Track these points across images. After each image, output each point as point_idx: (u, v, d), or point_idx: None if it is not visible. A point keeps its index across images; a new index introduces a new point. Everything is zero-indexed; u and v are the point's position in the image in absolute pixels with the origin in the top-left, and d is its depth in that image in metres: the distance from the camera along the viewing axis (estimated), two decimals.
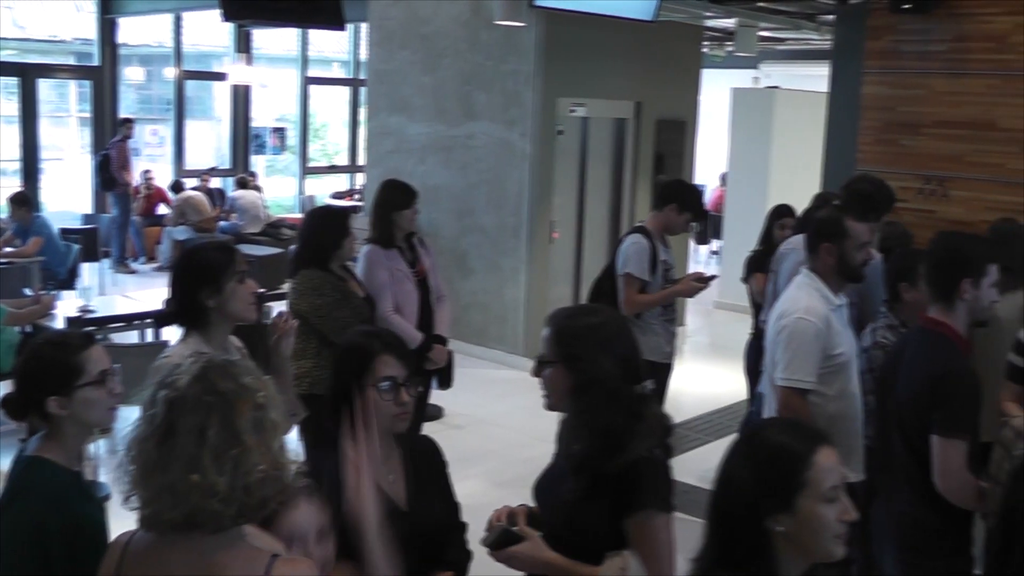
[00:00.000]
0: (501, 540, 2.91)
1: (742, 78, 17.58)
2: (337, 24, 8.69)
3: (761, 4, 10.62)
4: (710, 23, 11.73)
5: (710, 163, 17.09)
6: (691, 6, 9.83)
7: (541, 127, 10.10)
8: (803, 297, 4.63)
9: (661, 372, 6.63)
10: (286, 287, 6.05)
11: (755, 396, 6.20)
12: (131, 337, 8.58)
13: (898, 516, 4.20)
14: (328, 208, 6.22)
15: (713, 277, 6.67)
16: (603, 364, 2.92)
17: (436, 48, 10.70)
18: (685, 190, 6.71)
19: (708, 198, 18.08)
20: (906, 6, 7.94)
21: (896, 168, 8.30)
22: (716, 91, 15.35)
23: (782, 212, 7.55)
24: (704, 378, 10.19)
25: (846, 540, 2.45)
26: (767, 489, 2.41)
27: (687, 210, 6.53)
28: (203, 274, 3.77)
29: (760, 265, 7.07)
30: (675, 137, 11.63)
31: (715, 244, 16.66)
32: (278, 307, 5.97)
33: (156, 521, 2.14)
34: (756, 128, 13.27)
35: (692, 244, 15.59)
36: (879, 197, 5.89)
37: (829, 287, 4.66)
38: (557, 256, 10.71)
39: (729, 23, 11.51)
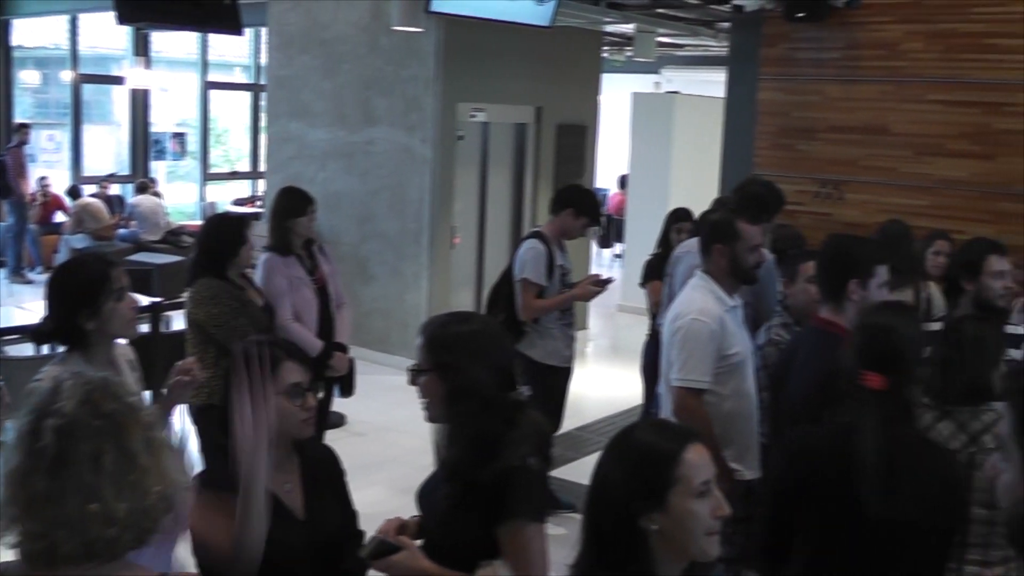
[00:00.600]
0: (378, 551, 2.90)
1: (644, 83, 17.74)
2: (234, 28, 8.56)
3: (659, 11, 10.73)
4: (609, 28, 11.81)
5: (612, 167, 17.22)
6: (589, 12, 9.89)
7: (441, 132, 10.09)
8: (697, 299, 4.69)
9: (561, 376, 6.67)
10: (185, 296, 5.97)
11: (652, 397, 6.25)
12: (27, 350, 8.39)
13: None
14: (224, 215, 6.15)
15: (609, 280, 6.70)
16: (476, 372, 2.92)
17: (336, 53, 10.64)
18: (581, 195, 6.74)
19: (609, 202, 18.24)
20: (800, 15, 8.07)
21: (792, 172, 8.44)
22: (618, 96, 15.47)
23: (679, 216, 7.61)
24: (607, 381, 10.25)
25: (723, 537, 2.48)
26: (638, 488, 2.43)
27: (583, 215, 6.57)
28: (79, 296, 3.64)
29: (658, 269, 7.13)
30: (575, 141, 11.69)
31: (618, 247, 16.78)
32: (178, 316, 5.88)
33: (50, 555, 2.01)
34: (656, 132, 13.39)
35: (595, 248, 15.71)
36: (770, 199, 5.98)
37: (723, 289, 4.72)
38: (458, 261, 10.71)
39: (628, 28, 11.59)
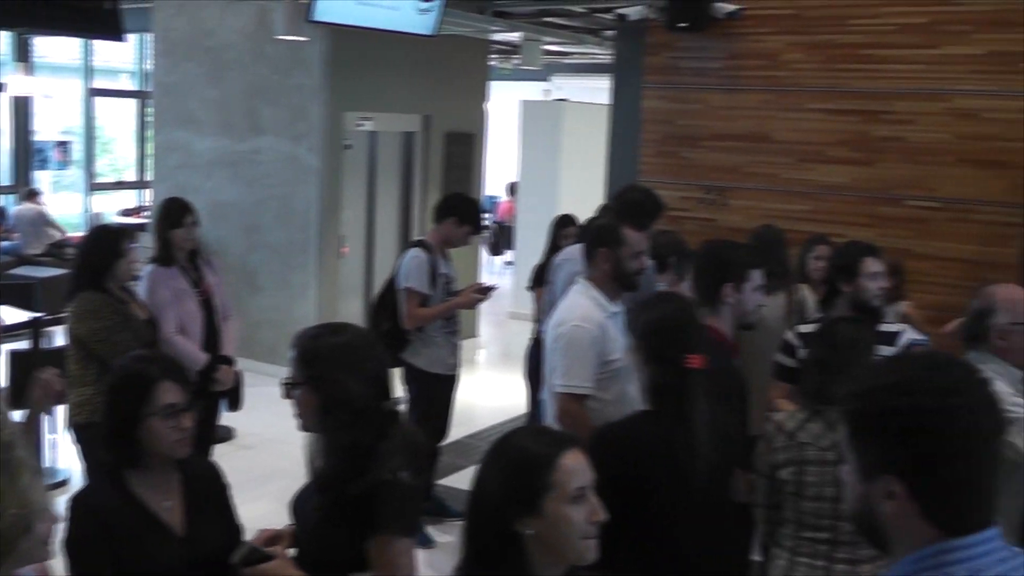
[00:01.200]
0: (249, 558, 2.89)
1: (534, 90, 17.84)
2: (116, 35, 8.38)
3: (545, 19, 10.80)
4: (496, 37, 11.84)
5: (503, 174, 17.29)
6: (475, 21, 9.91)
7: (328, 142, 10.04)
8: (579, 305, 4.73)
9: (446, 384, 6.68)
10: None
11: (537, 402, 6.29)
12: None
13: None
14: (103, 227, 6.03)
15: (492, 288, 6.73)
16: (347, 384, 2.92)
17: (221, 60, 10.52)
18: (464, 203, 6.76)
19: (499, 209, 18.31)
20: (682, 25, 8.19)
21: (677, 179, 8.56)
22: (509, 103, 15.53)
23: (565, 222, 7.68)
24: (498, 388, 10.27)
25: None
26: (513, 493, 2.45)
27: (466, 223, 6.59)
28: None
29: (545, 275, 7.18)
30: (463, 150, 11.70)
31: (509, 254, 16.84)
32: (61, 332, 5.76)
33: None
34: (545, 140, 13.48)
35: (485, 255, 15.75)
36: (649, 205, 6.04)
37: (605, 295, 4.77)
38: (347, 271, 10.66)
39: (514, 37, 11.64)
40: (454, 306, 6.56)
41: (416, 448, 3.02)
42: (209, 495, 3.25)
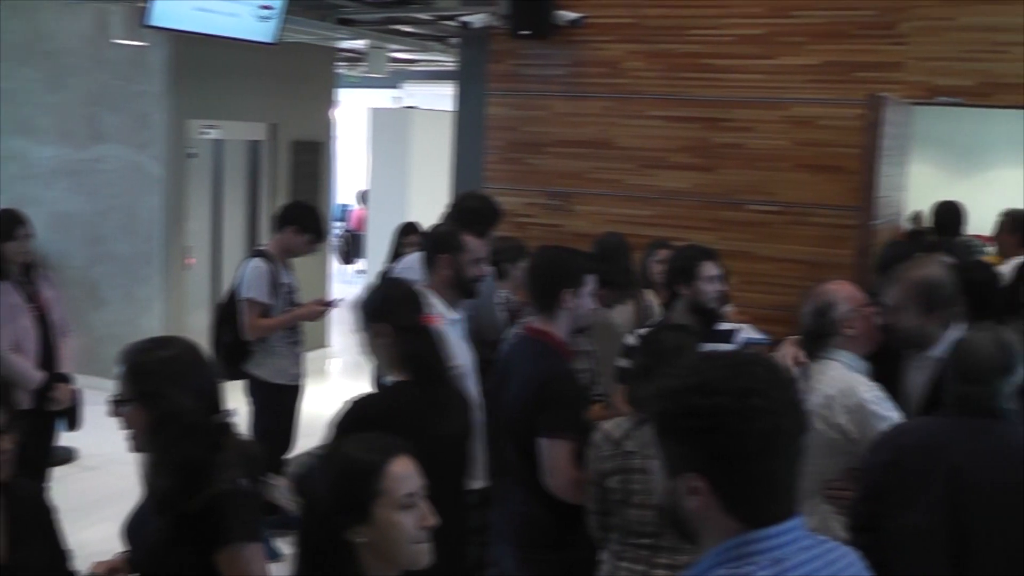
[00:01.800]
0: None
1: (385, 98, 17.77)
2: None
3: (390, 27, 10.76)
4: (342, 44, 11.76)
5: (355, 182, 17.19)
6: (318, 28, 9.81)
7: (173, 150, 9.86)
8: None
9: (289, 395, 6.63)
10: None
11: None
12: None
13: (514, 516, 4.37)
14: None
15: (334, 303, 6.72)
16: (177, 398, 2.88)
17: (61, 66, 10.21)
18: (304, 211, 6.71)
19: (350, 218, 18.20)
20: (524, 32, 8.23)
21: (522, 185, 8.60)
22: (360, 110, 15.45)
23: (408, 230, 7.68)
24: (350, 396, 10.17)
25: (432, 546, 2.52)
26: (343, 501, 2.46)
27: (307, 231, 6.54)
28: None
29: None
30: (311, 158, 11.60)
31: (361, 263, 16.76)
32: None
33: None
34: (394, 147, 13.47)
35: (336, 263, 15.65)
36: (487, 212, 6.06)
37: (444, 302, 4.79)
38: (193, 283, 10.46)
39: (360, 45, 11.58)
40: (296, 317, 6.51)
41: (252, 457, 2.99)
42: (34, 520, 3.17)
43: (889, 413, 3.92)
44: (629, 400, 3.90)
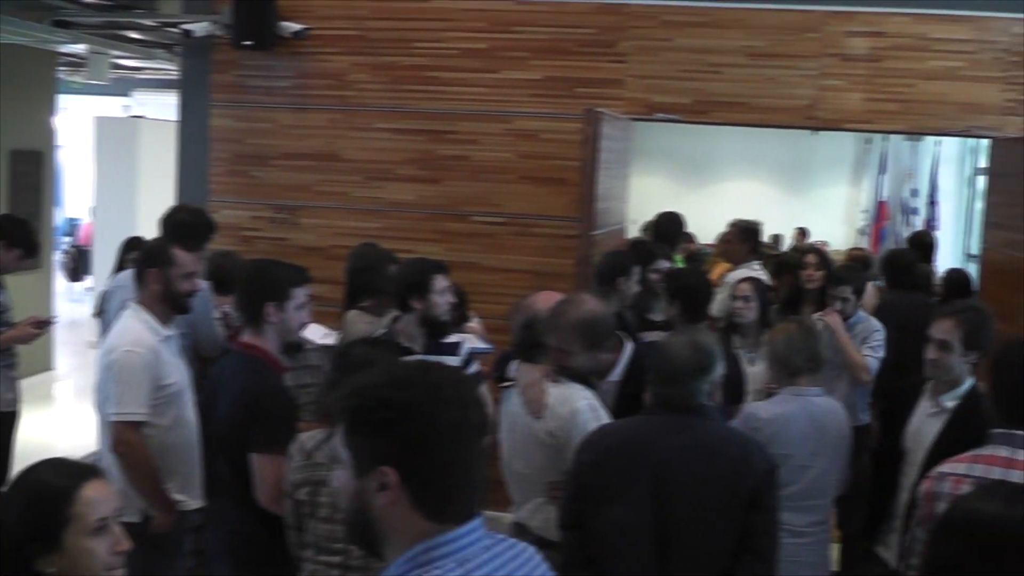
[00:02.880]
0: None
1: (116, 106, 17.20)
2: None
3: (112, 31, 10.42)
4: (63, 48, 11.29)
5: (87, 195, 16.56)
6: (34, 30, 9.37)
7: None
8: (130, 330, 4.63)
9: (5, 422, 6.34)
10: None
11: None
12: None
13: (229, 535, 4.31)
14: None
15: (49, 322, 6.44)
16: None
17: None
18: (12, 225, 6.44)
19: (80, 232, 17.54)
20: (247, 43, 8.10)
21: (248, 198, 8.47)
22: (89, 119, 14.88)
23: (133, 245, 7.44)
24: (79, 423, 9.77)
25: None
26: (32, 529, 2.37)
27: (16, 246, 6.27)
28: None
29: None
30: (31, 169, 11.09)
31: (89, 280, 16.17)
32: None
33: None
34: (121, 158, 13.02)
35: (65, 280, 15.08)
36: (198, 225, 5.92)
37: (157, 318, 4.68)
38: None
39: (81, 49, 11.14)
40: (8, 340, 6.21)
41: None
42: None
43: (601, 418, 4.06)
44: (319, 412, 3.90)
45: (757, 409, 4.78)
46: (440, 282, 5.21)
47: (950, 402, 4.49)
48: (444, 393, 1.96)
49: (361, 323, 5.78)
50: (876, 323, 6.54)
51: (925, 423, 4.58)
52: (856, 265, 7.98)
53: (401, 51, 8.21)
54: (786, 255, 10.28)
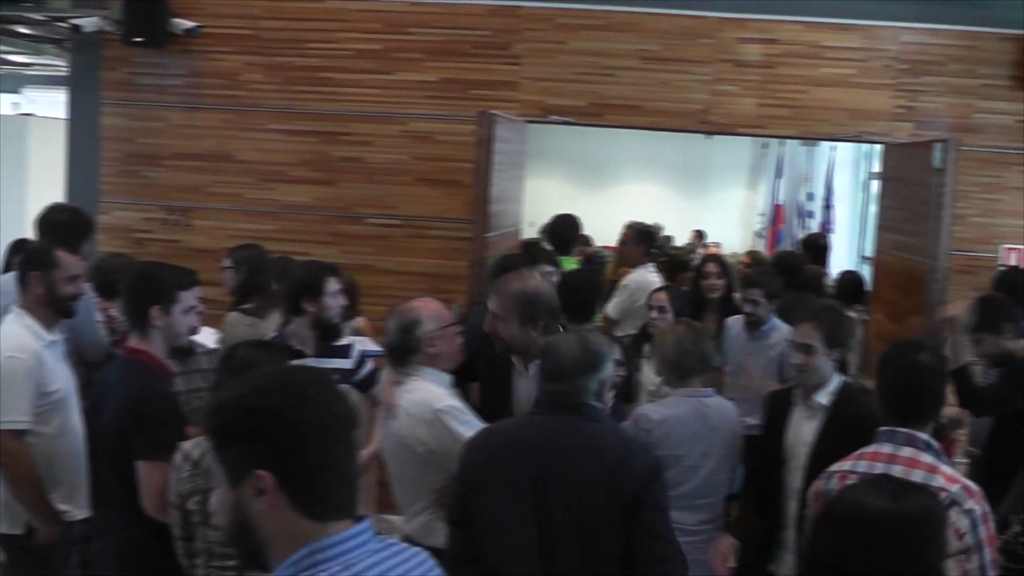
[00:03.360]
0: None
1: (4, 103, 16.77)
2: None
3: None
4: None
5: None
6: None
7: None
8: (13, 335, 4.53)
9: None
10: None
11: None
12: None
13: (116, 545, 4.21)
14: None
15: None
16: None
17: None
18: None
19: None
20: (138, 39, 7.95)
21: (140, 199, 8.32)
22: None
23: (20, 248, 7.23)
24: None
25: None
26: None
27: None
28: None
29: None
30: None
31: None
32: None
33: None
34: (10, 157, 12.67)
35: None
36: (76, 224, 5.76)
37: (40, 323, 4.58)
38: None
39: None
40: None
41: None
42: None
43: (467, 420, 4.07)
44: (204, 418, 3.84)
45: (649, 410, 4.82)
46: (332, 285, 5.19)
47: (823, 399, 4.57)
48: (308, 393, 1.99)
49: (241, 325, 5.72)
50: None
51: (802, 426, 4.64)
52: (770, 269, 8.03)
53: (295, 51, 8.16)
54: (677, 254, 10.42)
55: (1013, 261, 8.16)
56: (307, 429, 1.95)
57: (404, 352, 4.29)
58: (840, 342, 4.60)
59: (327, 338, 5.24)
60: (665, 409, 4.79)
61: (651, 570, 3.53)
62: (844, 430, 4.26)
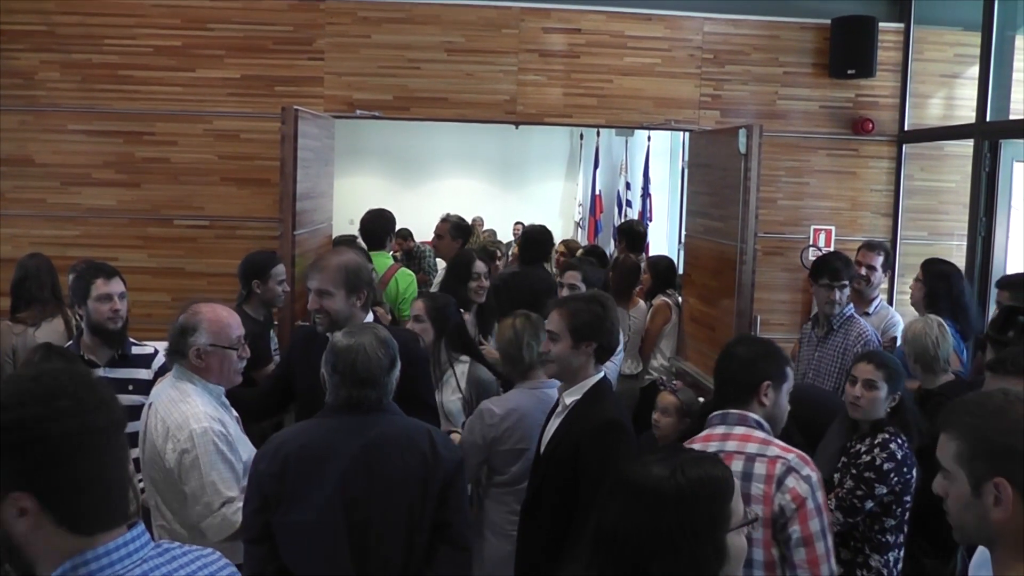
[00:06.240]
0: None
1: None
2: None
3: None
4: None
5: None
6: None
7: None
8: None
9: None
10: None
11: None
12: None
13: None
14: None
15: None
16: None
17: None
18: None
19: None
20: None
21: None
22: None
23: None
24: None
25: None
26: None
27: None
28: None
29: None
30: None
31: None
32: None
33: None
34: None
35: None
36: None
37: None
38: None
39: None
40: None
41: None
42: None
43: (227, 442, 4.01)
44: None
45: (493, 404, 4.81)
46: (101, 287, 5.15)
47: (570, 399, 4.27)
48: (59, 403, 1.87)
49: (11, 334, 5.59)
50: None
51: (551, 425, 4.39)
52: (591, 258, 8.11)
53: (91, 48, 7.92)
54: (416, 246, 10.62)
55: (822, 241, 8.38)
56: (61, 444, 1.85)
57: (173, 352, 4.20)
58: (590, 335, 4.22)
59: (113, 345, 5.15)
60: (508, 403, 4.79)
61: (452, 557, 3.55)
62: (573, 430, 4.13)
